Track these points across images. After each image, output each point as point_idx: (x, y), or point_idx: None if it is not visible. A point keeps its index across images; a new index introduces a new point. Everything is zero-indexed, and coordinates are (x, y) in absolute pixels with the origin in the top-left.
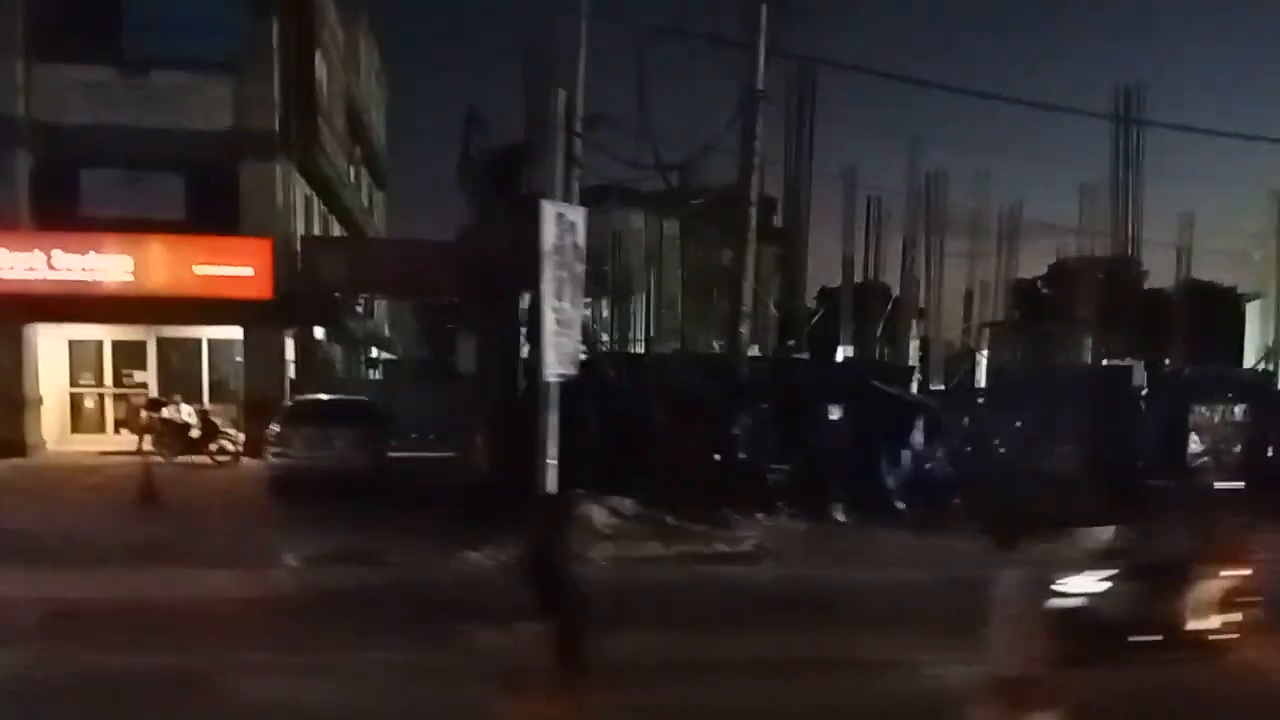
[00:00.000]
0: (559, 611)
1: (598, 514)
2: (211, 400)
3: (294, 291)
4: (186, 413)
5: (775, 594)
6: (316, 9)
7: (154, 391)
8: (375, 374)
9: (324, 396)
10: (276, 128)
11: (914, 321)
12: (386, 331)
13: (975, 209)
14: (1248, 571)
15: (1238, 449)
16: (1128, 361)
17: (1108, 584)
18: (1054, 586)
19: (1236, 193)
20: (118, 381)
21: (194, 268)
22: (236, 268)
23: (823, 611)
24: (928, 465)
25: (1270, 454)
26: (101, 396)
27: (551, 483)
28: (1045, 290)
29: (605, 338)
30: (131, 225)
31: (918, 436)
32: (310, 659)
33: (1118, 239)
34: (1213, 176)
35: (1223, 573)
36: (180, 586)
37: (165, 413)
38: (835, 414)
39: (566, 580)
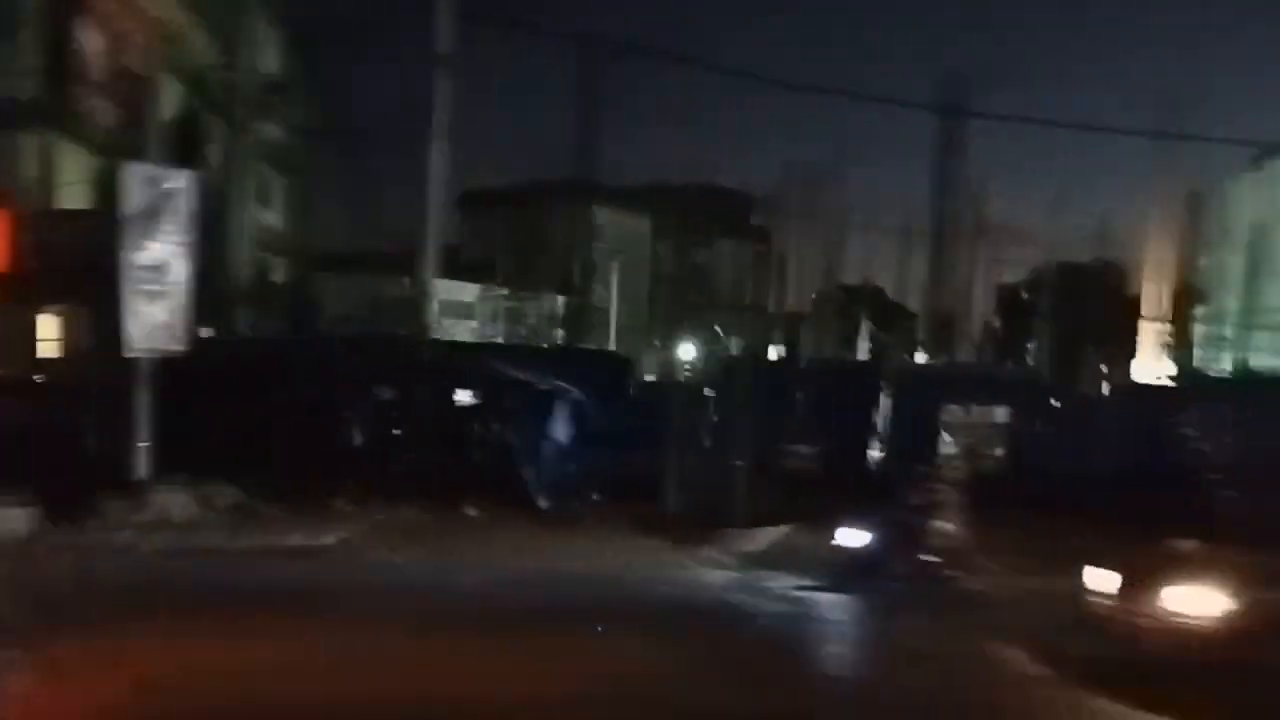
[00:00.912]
0: None
1: (180, 502)
2: None
3: (41, 268)
4: None
5: (245, 591)
6: None
7: None
8: None
9: None
10: (26, 97)
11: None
12: None
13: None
14: None
15: (998, 451)
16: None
17: None
18: None
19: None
20: None
21: None
22: None
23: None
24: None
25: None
26: None
27: (145, 467)
28: (1026, 296)
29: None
30: None
31: (559, 427)
32: None
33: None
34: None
35: None
36: None
37: None
38: (467, 401)
39: None
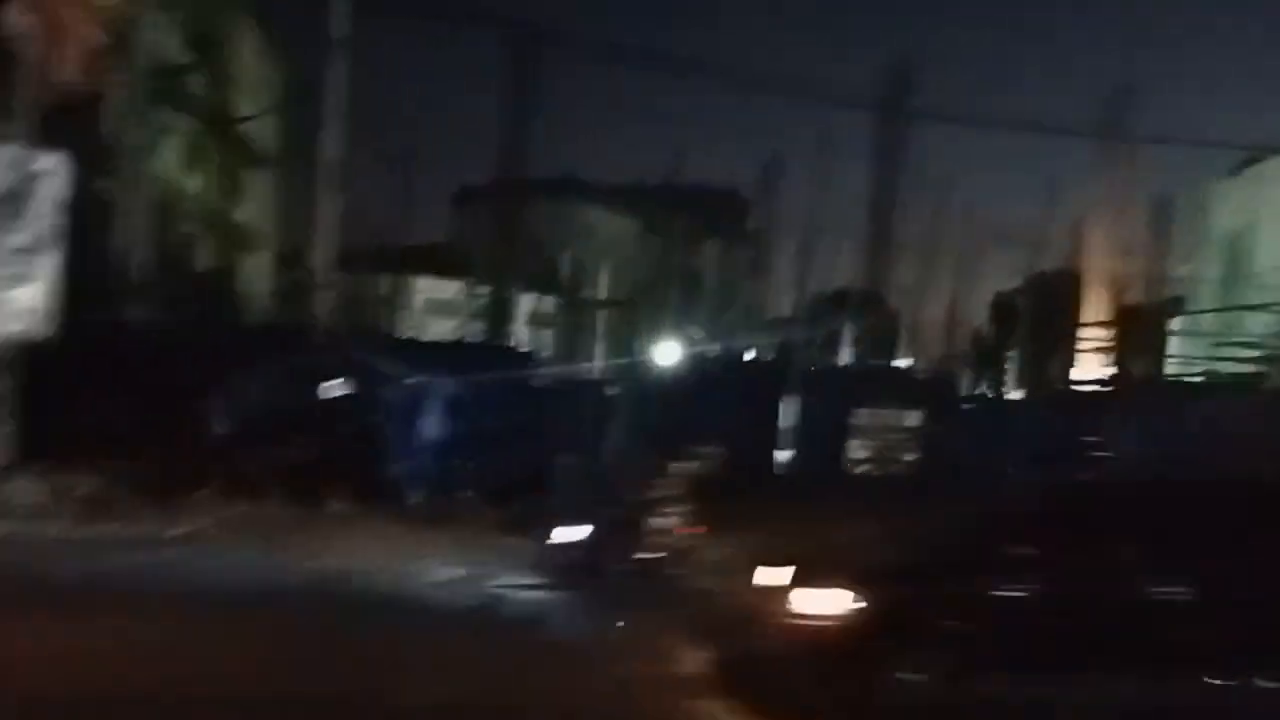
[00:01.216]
0: None
1: (31, 490)
2: None
3: None
4: None
5: (61, 581)
6: None
7: None
8: None
9: None
10: None
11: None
12: None
13: None
14: None
15: (910, 457)
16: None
17: None
18: None
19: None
20: None
21: None
22: None
23: None
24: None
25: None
26: None
27: (3, 454)
28: (1020, 303)
29: None
30: None
31: (430, 422)
32: None
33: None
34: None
35: None
36: None
37: None
38: (337, 392)
39: None
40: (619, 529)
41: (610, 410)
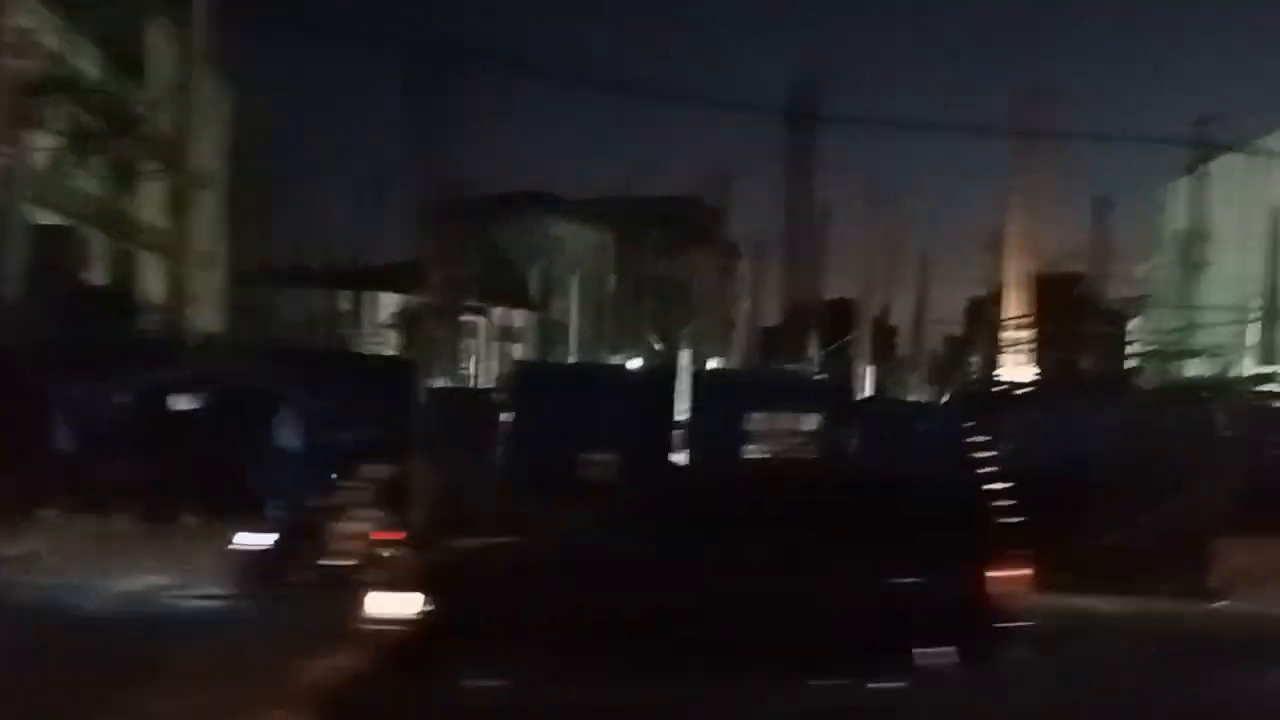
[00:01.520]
0: None
1: None
2: None
3: None
4: None
5: None
6: None
7: None
8: None
9: None
10: None
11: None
12: None
13: None
14: None
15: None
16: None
17: None
18: None
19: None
20: None
21: None
22: None
23: None
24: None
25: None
26: None
27: None
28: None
29: None
30: None
31: (288, 434)
32: None
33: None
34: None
35: None
36: None
37: None
38: (186, 404)
39: None
40: (303, 534)
41: (496, 417)
